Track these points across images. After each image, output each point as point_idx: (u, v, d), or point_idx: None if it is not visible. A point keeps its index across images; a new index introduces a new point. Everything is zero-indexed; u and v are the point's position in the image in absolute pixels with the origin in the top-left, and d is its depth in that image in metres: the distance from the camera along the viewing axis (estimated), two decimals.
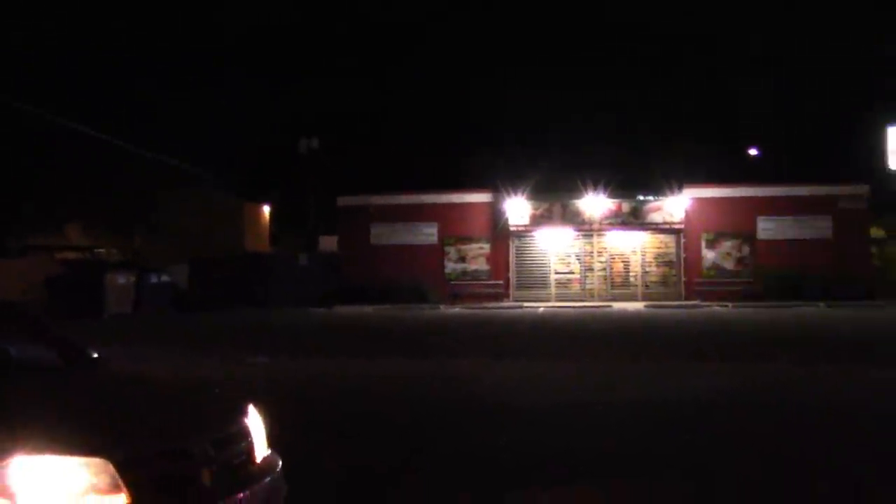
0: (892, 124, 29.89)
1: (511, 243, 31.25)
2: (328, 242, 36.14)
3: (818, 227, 29.72)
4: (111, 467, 3.30)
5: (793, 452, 7.11)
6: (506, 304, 29.79)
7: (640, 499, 5.97)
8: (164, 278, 29.30)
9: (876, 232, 31.72)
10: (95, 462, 3.29)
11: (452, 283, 30.94)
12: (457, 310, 27.98)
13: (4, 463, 3.15)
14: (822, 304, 26.78)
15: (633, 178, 31.37)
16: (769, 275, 28.83)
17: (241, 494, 3.71)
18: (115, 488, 3.29)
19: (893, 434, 7.88)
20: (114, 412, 3.91)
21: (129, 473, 3.33)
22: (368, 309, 27.94)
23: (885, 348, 15.52)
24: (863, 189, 29.98)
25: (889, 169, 29.61)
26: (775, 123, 43.55)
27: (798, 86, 44.13)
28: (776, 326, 20.83)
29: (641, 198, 30.42)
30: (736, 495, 5.97)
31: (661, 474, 6.44)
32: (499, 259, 31.28)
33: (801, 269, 28.29)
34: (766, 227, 29.96)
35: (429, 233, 31.70)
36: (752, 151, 44.60)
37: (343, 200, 32.75)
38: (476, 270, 31.34)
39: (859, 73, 42.91)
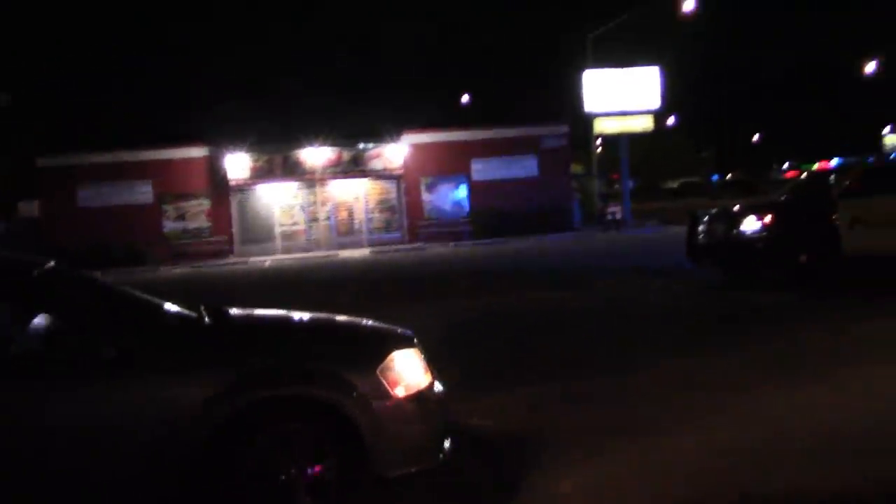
0: (586, 68, 32.28)
1: (232, 198, 30.40)
2: (29, 209, 32.99)
3: (525, 167, 31.74)
4: (421, 354, 4.73)
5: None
6: (231, 260, 29.03)
7: None
8: None
9: (576, 168, 34.50)
10: (417, 350, 4.69)
11: (172, 242, 29.61)
12: (177, 270, 26.80)
13: (390, 357, 4.45)
14: (532, 237, 28.67)
15: (354, 127, 31.57)
16: (484, 213, 30.40)
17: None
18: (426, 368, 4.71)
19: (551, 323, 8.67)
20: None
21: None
22: None
23: (574, 272, 17.03)
24: (563, 129, 32.36)
25: (585, 111, 32.04)
26: (486, 72, 45.68)
27: (503, 35, 46.42)
28: (492, 260, 22.11)
29: (362, 146, 30.72)
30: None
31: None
32: (220, 215, 30.35)
33: (512, 207, 30.13)
34: (479, 169, 31.50)
35: (144, 191, 30.04)
36: (465, 98, 46.71)
37: (43, 161, 30.01)
38: (197, 228, 30.25)
39: (559, 21, 45.95)
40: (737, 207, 14.25)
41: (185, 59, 45.19)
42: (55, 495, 3.90)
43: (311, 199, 30.95)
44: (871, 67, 58.51)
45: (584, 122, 33.25)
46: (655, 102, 32.51)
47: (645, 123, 32.98)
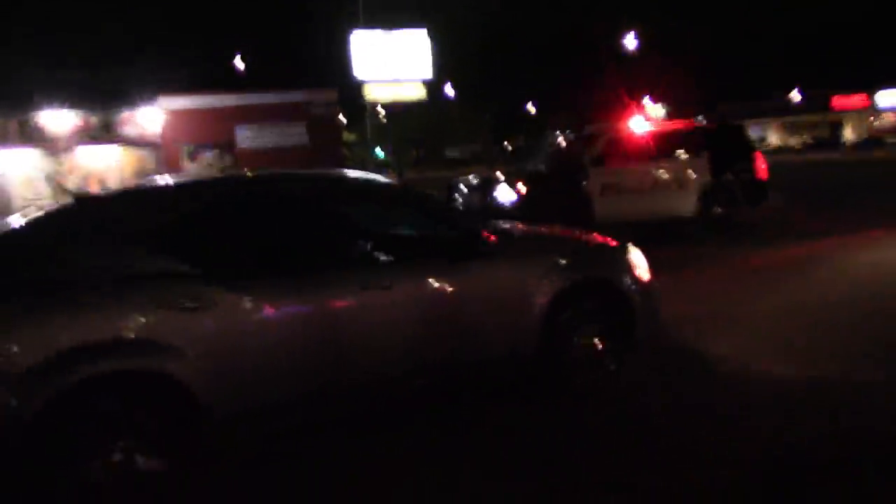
0: (355, 28, 31.33)
1: None
2: None
3: (294, 134, 30.48)
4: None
5: None
6: None
7: None
8: None
9: (348, 136, 33.67)
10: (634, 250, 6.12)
11: None
12: None
13: (626, 248, 6.05)
14: None
15: (104, 89, 28.97)
16: None
17: None
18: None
19: None
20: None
21: None
22: None
23: None
24: (332, 95, 31.35)
25: (353, 75, 31.18)
26: (255, 33, 43.67)
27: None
28: None
29: (113, 111, 28.19)
30: None
31: None
32: None
33: None
34: (245, 136, 29.91)
35: None
36: (238, 64, 44.48)
37: None
38: None
39: None
40: (491, 176, 14.06)
41: None
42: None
43: (57, 169, 28.10)
44: (631, 42, 61.82)
45: (357, 88, 32.45)
46: (427, 70, 32.21)
47: (417, 92, 32.62)
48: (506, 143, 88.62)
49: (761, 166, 14.26)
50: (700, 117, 16.90)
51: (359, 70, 31.09)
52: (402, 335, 4.93)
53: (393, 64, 31.47)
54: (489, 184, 13.22)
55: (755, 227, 14.06)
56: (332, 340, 4.68)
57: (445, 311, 5.07)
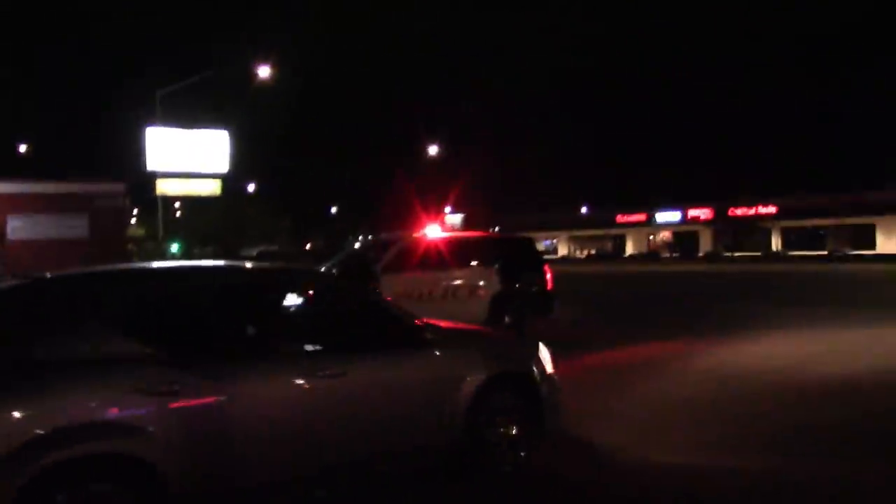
0: (149, 125, 30.23)
1: None
2: None
3: (75, 226, 28.43)
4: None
5: None
6: None
7: None
8: None
9: (136, 231, 31.97)
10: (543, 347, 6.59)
11: None
12: None
13: (538, 345, 6.53)
14: None
15: None
16: (21, 277, 26.51)
17: None
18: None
19: None
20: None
21: None
22: None
23: None
24: (119, 187, 29.74)
25: (146, 169, 29.88)
26: (45, 120, 41.24)
27: (65, 82, 42.50)
28: None
29: None
30: None
31: None
32: None
33: (59, 270, 26.65)
34: (17, 227, 27.52)
35: None
36: (21, 148, 41.65)
37: None
38: None
39: (130, 75, 43.17)
40: None
41: None
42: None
43: None
44: (433, 150, 63.94)
45: (150, 182, 31.04)
46: (223, 166, 31.50)
47: (211, 188, 31.72)
48: (308, 244, 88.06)
49: (549, 278, 14.61)
50: (496, 228, 17.21)
51: (152, 163, 29.83)
52: (356, 418, 5.13)
53: (189, 159, 30.53)
54: None
55: (546, 336, 14.23)
56: (305, 424, 4.89)
57: (388, 397, 5.31)
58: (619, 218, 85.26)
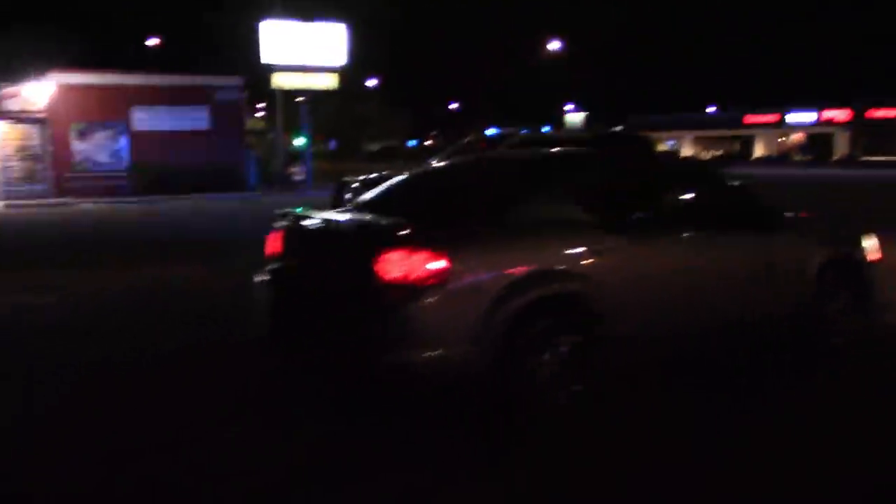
0: (264, 18, 30.01)
1: None
2: None
3: (195, 119, 28.97)
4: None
5: None
6: None
7: None
8: None
9: (255, 123, 32.29)
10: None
11: None
12: None
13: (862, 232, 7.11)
14: (198, 195, 26.13)
15: None
16: (145, 168, 27.35)
17: None
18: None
19: None
20: None
21: None
22: None
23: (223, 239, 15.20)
24: (238, 80, 29.98)
25: (263, 63, 29.82)
26: (164, 14, 41.82)
27: None
28: (128, 224, 19.59)
29: None
30: None
31: None
32: None
33: (179, 162, 27.32)
34: (142, 118, 28.24)
35: None
36: (153, 41, 42.47)
37: None
38: None
39: None
40: (380, 174, 13.14)
41: None
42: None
43: None
44: (555, 46, 61.90)
45: (267, 75, 31.05)
46: (340, 59, 31.07)
47: (329, 81, 31.42)
48: (428, 140, 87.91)
49: None
50: (619, 128, 16.22)
51: (267, 56, 29.74)
52: (737, 285, 6.01)
53: (305, 52, 30.28)
54: (379, 182, 12.28)
55: None
56: (700, 287, 5.76)
57: (762, 269, 6.16)
58: (748, 118, 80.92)
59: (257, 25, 29.93)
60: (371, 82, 71.68)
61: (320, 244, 5.42)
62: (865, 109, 71.06)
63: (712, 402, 5.46)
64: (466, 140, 16.15)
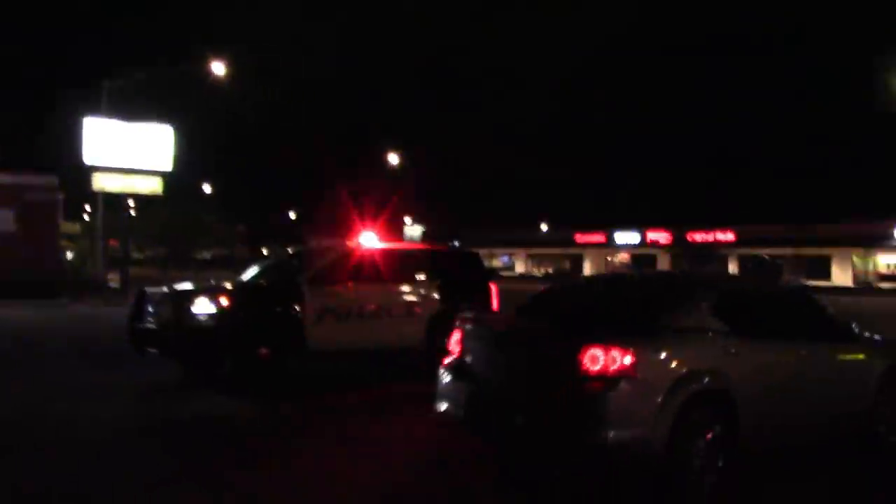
0: (88, 114, 28.49)
1: None
2: None
3: (1, 220, 26.74)
4: None
5: None
6: None
7: None
8: None
9: (70, 227, 30.24)
10: None
11: None
12: None
13: None
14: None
15: None
16: None
17: None
18: None
19: None
20: None
21: None
22: None
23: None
24: (52, 180, 28.10)
25: (84, 162, 28.11)
26: None
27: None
28: None
29: None
30: None
31: None
32: None
33: None
34: None
35: None
36: None
37: None
38: None
39: (78, 64, 41.35)
40: (187, 286, 12.09)
41: None
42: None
43: None
44: (393, 159, 62.68)
45: (87, 176, 29.25)
46: (167, 163, 29.78)
47: (154, 185, 29.98)
48: (264, 248, 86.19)
49: (494, 296, 13.39)
50: (455, 242, 15.93)
51: (89, 156, 28.06)
52: (822, 389, 7.06)
53: (130, 153, 28.82)
54: (183, 295, 11.24)
55: None
56: (801, 385, 6.86)
57: (838, 374, 7.38)
58: (578, 237, 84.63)
59: (79, 123, 28.37)
60: (207, 188, 70.00)
61: (508, 343, 6.50)
62: (685, 232, 75.95)
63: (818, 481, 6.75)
64: (293, 251, 15.35)
